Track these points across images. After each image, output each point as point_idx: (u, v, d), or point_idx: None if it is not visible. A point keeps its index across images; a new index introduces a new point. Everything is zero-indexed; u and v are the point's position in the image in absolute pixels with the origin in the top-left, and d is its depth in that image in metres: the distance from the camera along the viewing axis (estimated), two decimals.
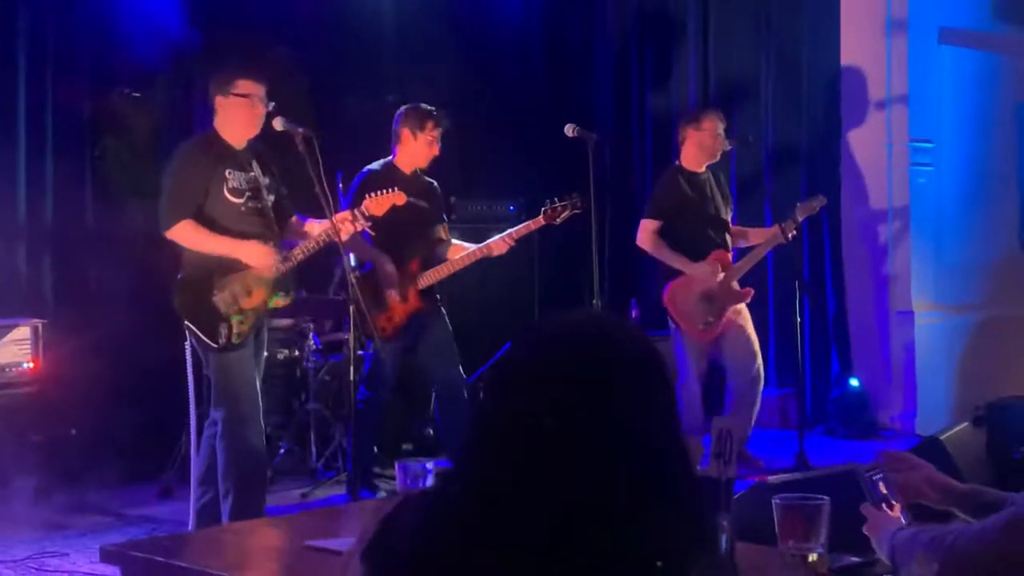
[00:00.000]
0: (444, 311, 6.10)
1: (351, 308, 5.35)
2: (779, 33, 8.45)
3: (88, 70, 7.00)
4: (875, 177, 8.05)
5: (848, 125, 8.16)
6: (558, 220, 5.91)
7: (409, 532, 1.37)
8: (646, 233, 6.58)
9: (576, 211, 5.89)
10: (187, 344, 5.03)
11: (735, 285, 6.61)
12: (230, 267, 4.94)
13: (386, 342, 5.81)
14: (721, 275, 6.48)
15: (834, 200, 8.15)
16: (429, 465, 2.42)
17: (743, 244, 6.84)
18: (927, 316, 7.96)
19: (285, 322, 7.28)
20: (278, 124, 5.06)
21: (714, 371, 6.94)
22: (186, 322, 4.93)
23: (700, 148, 6.58)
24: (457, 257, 6.04)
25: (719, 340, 6.63)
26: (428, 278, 5.99)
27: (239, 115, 5.03)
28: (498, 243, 5.97)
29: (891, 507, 2.32)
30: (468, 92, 8.85)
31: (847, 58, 8.13)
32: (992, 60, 8.33)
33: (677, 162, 6.72)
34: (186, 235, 4.92)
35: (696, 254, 6.53)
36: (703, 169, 6.67)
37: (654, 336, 7.94)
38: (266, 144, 5.21)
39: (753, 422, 6.71)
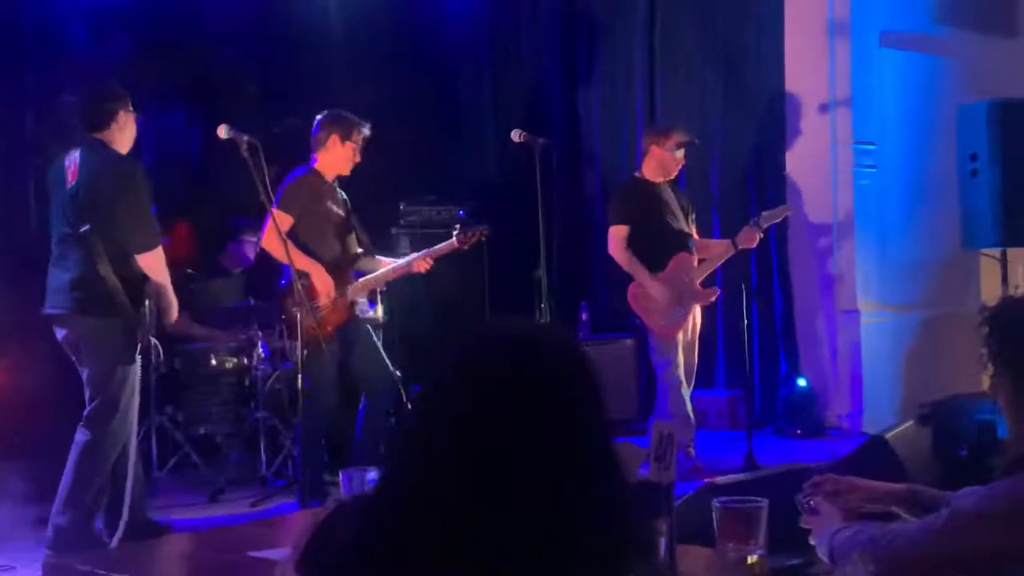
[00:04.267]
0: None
1: (297, 315, 5.33)
2: (724, 36, 8.51)
3: (31, 77, 6.93)
4: (820, 179, 8.12)
5: (793, 127, 8.23)
6: (467, 246, 6.06)
7: (343, 539, 1.37)
8: (616, 241, 6.54)
9: (484, 238, 6.08)
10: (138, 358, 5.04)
11: (699, 286, 6.65)
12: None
13: (320, 349, 5.75)
14: (667, 290, 6.49)
15: (779, 201, 8.22)
16: (372, 474, 2.42)
17: (703, 255, 6.79)
18: (872, 315, 8.05)
19: (234, 331, 7.27)
20: (223, 131, 5.05)
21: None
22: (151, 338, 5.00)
23: (660, 165, 6.61)
24: (380, 272, 6.07)
25: None
26: (356, 291, 5.99)
27: (133, 130, 5.19)
28: (419, 261, 6.03)
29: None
30: (416, 98, 8.85)
31: (791, 61, 8.20)
32: (933, 62, 8.43)
33: (638, 174, 6.73)
34: (157, 260, 5.03)
35: (654, 261, 6.52)
36: (661, 180, 6.68)
37: (609, 338, 8.02)
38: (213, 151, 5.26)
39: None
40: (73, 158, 5.08)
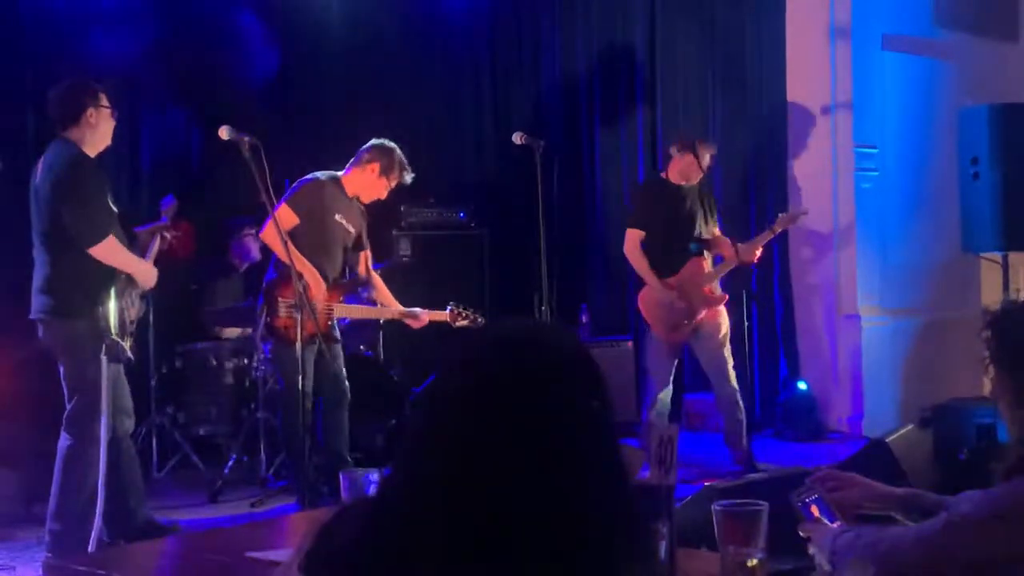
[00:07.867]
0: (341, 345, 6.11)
1: (296, 316, 5.30)
2: (725, 40, 8.51)
3: (32, 76, 6.92)
4: (821, 183, 8.12)
5: (794, 131, 8.23)
6: (456, 324, 6.10)
7: (349, 540, 1.36)
8: (632, 242, 6.70)
9: (474, 326, 6.06)
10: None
11: (711, 289, 6.68)
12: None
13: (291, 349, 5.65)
14: (675, 295, 6.59)
15: (781, 206, 8.22)
16: (373, 476, 2.42)
17: (724, 252, 6.80)
18: (873, 320, 8.04)
19: (235, 331, 7.27)
20: (224, 133, 5.02)
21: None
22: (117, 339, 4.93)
23: (681, 174, 6.68)
24: (372, 307, 6.14)
25: (693, 344, 6.74)
26: (343, 311, 5.99)
27: (107, 126, 5.06)
28: (412, 320, 6.08)
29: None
30: (417, 99, 8.85)
31: (792, 65, 8.20)
32: (934, 66, 8.44)
33: (663, 174, 6.82)
34: (110, 250, 4.90)
35: (668, 264, 6.63)
36: (683, 183, 6.74)
37: (609, 341, 8.02)
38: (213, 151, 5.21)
39: (745, 431, 6.67)
40: (41, 159, 5.02)
